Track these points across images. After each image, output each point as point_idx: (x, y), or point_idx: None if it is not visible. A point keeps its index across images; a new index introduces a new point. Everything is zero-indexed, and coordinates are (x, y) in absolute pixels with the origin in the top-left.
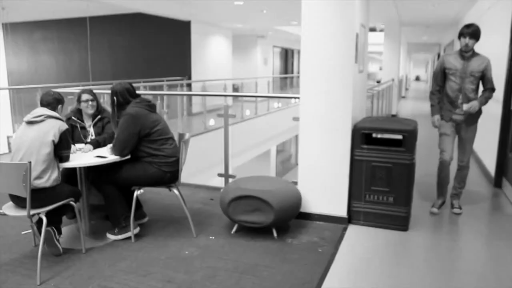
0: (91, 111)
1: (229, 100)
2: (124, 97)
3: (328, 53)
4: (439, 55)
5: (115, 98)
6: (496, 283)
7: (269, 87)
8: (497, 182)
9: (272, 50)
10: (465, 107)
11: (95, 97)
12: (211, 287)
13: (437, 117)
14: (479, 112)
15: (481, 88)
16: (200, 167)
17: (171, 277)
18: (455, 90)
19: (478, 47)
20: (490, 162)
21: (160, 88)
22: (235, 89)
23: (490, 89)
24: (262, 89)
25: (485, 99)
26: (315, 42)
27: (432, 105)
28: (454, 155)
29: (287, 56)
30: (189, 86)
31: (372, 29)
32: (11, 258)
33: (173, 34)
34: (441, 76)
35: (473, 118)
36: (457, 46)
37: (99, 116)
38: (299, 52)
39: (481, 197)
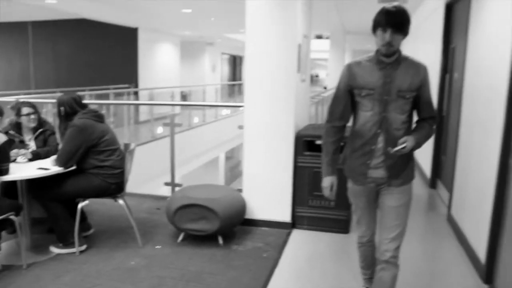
0: (32, 124)
1: (177, 108)
2: (71, 107)
3: (271, 63)
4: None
5: (62, 108)
6: (430, 278)
7: (217, 94)
8: (432, 184)
9: (221, 57)
10: (399, 147)
11: (36, 110)
12: None
13: (330, 180)
14: (410, 159)
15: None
16: (148, 176)
17: None
18: (371, 125)
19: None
20: (426, 165)
21: (107, 96)
22: (183, 96)
23: (430, 120)
24: (210, 97)
25: (425, 136)
26: (259, 52)
27: (325, 155)
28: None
29: (235, 63)
30: (136, 94)
31: (319, 37)
32: None
33: (119, 40)
34: (346, 102)
35: (406, 173)
36: (403, 51)
37: (40, 130)
38: None
39: (417, 198)
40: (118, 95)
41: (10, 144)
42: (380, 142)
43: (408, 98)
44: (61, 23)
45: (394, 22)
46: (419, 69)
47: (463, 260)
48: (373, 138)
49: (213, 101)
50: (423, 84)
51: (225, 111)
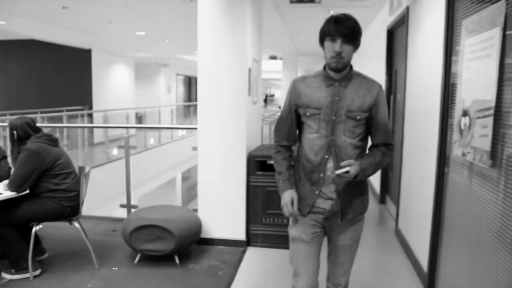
0: None
1: (132, 129)
2: (24, 131)
3: (223, 87)
4: None
5: (15, 132)
6: None
7: (173, 115)
8: (381, 199)
9: (176, 78)
10: (341, 170)
11: None
12: None
13: (290, 194)
14: (364, 190)
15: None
16: (103, 198)
17: None
18: (317, 150)
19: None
20: (376, 180)
21: (60, 118)
22: (138, 117)
23: (384, 147)
24: (165, 118)
25: (375, 165)
26: (211, 76)
27: (279, 173)
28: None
29: (191, 84)
30: (90, 116)
31: (273, 57)
32: None
33: (72, 62)
34: (291, 122)
35: (359, 206)
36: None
37: None
38: None
39: (367, 213)
40: (71, 117)
41: None
42: (329, 170)
43: (359, 120)
44: (11, 44)
45: (344, 31)
46: (373, 88)
47: (408, 271)
48: (320, 165)
49: (168, 122)
50: (377, 105)
51: (181, 132)
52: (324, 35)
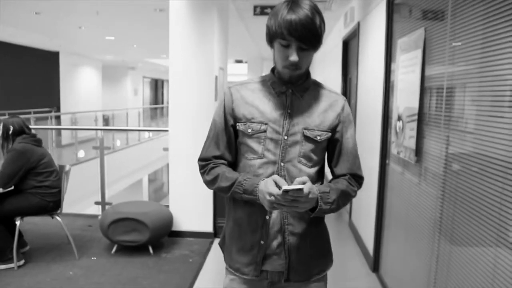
0: None
1: (100, 132)
2: (20, 127)
3: (192, 92)
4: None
5: (11, 127)
6: (332, 271)
7: (140, 118)
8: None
9: (142, 81)
10: (293, 187)
11: None
12: None
13: (266, 181)
14: (324, 236)
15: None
16: (73, 197)
17: None
18: (264, 177)
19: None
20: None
21: (27, 120)
22: (105, 119)
23: (351, 179)
24: (133, 120)
25: (340, 194)
26: (181, 83)
27: (232, 183)
28: None
29: (157, 86)
30: (58, 118)
31: (239, 61)
32: None
33: (39, 64)
34: (230, 135)
35: (320, 261)
36: (315, 77)
37: None
38: (168, 82)
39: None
40: (39, 119)
41: None
42: (276, 211)
43: (320, 142)
44: None
45: (303, 34)
46: (336, 101)
47: (358, 256)
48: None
49: (136, 124)
50: (342, 123)
51: (148, 134)
52: (274, 35)
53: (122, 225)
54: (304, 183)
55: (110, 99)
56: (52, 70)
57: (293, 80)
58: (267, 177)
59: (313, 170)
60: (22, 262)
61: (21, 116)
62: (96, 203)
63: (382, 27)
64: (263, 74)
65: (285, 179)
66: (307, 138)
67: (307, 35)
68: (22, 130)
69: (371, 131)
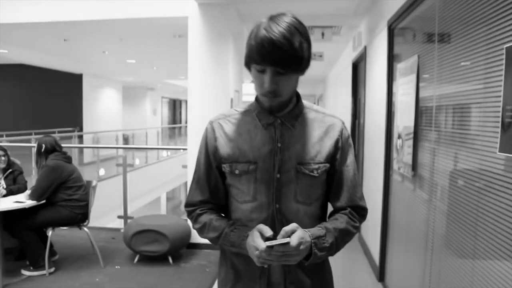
0: (2, 165)
1: (120, 150)
2: (52, 145)
3: (209, 113)
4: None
5: (43, 145)
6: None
7: (159, 137)
8: None
9: (161, 101)
10: (276, 242)
11: (6, 153)
12: None
13: (253, 235)
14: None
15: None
16: (97, 212)
17: None
18: (257, 222)
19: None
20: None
21: None
22: (125, 139)
23: (354, 211)
24: (152, 139)
25: (342, 231)
26: (200, 104)
27: (219, 234)
28: None
29: (175, 106)
30: (80, 137)
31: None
32: None
33: (64, 86)
34: (216, 179)
35: None
36: (328, 98)
37: (10, 170)
38: (186, 102)
39: None
40: (63, 139)
41: None
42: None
43: (318, 176)
44: (3, 68)
45: (278, 57)
46: (333, 126)
47: (366, 267)
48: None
49: (155, 143)
50: (341, 150)
51: (166, 154)
52: (249, 60)
53: (144, 236)
54: (293, 232)
55: (130, 119)
56: (76, 92)
57: (276, 109)
58: (262, 221)
59: (313, 208)
60: (52, 269)
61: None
62: (119, 217)
63: (384, 52)
64: (249, 103)
65: (281, 222)
66: (303, 174)
67: (283, 57)
68: (53, 148)
69: (377, 148)
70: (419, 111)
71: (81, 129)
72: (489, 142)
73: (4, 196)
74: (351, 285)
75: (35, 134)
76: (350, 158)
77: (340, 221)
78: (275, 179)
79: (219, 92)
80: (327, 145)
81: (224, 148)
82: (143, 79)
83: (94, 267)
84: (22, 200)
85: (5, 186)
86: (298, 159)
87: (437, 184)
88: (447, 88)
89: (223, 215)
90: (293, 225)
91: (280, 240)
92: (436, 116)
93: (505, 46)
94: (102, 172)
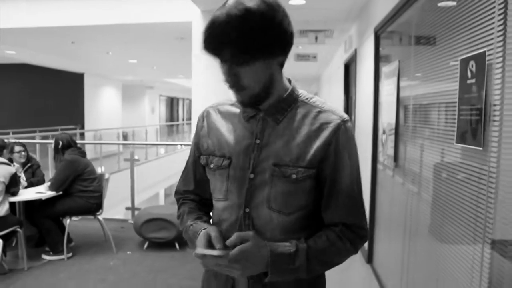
0: (22, 160)
1: (121, 147)
2: (68, 142)
3: None
4: None
5: (60, 142)
6: None
7: (158, 134)
8: None
9: (159, 99)
10: (212, 252)
11: (25, 148)
12: (136, 282)
13: (201, 237)
14: None
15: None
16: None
17: (104, 278)
18: (226, 228)
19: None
20: None
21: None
22: (124, 136)
23: (347, 229)
24: (151, 136)
25: (323, 262)
26: (202, 103)
27: (185, 229)
28: None
29: (173, 104)
30: (82, 134)
31: None
32: None
33: (66, 85)
34: (198, 174)
35: None
36: (323, 96)
37: (29, 164)
38: (183, 100)
39: None
40: None
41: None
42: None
43: (298, 180)
44: (7, 68)
45: (219, 42)
46: (328, 125)
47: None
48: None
49: (154, 140)
50: (335, 154)
51: (163, 150)
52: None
53: (153, 224)
54: (244, 241)
55: (129, 116)
56: (77, 91)
57: (247, 103)
58: (231, 224)
59: (292, 219)
60: (70, 254)
61: (50, 133)
62: (127, 208)
63: (372, 55)
64: None
65: (248, 228)
66: (278, 178)
67: (221, 46)
68: (69, 144)
69: (366, 142)
70: (399, 110)
71: (82, 127)
72: (449, 135)
73: (26, 188)
74: (341, 266)
75: (39, 131)
76: (348, 165)
77: (323, 239)
78: (248, 179)
79: (221, 91)
80: (314, 147)
81: (204, 138)
82: (143, 77)
83: (107, 252)
84: (43, 191)
85: (25, 179)
86: (275, 160)
87: (414, 173)
88: (420, 90)
89: (204, 209)
90: (245, 234)
91: (212, 252)
92: (412, 114)
93: (459, 58)
94: (102, 169)
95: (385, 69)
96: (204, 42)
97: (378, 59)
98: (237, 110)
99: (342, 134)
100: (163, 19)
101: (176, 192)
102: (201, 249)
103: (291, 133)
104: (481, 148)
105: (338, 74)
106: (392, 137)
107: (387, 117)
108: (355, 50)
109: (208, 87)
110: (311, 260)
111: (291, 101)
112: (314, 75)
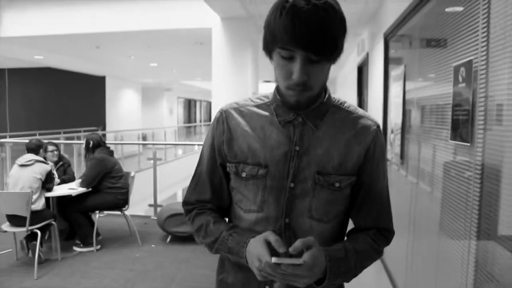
0: (55, 159)
1: (141, 148)
2: (98, 141)
3: None
4: None
5: (91, 141)
6: None
7: (176, 135)
8: None
9: (177, 101)
10: (287, 258)
11: (58, 148)
12: (161, 271)
13: (256, 244)
14: None
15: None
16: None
17: (131, 268)
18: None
19: None
20: None
21: (78, 138)
22: (143, 137)
23: (379, 234)
24: (169, 137)
25: (363, 254)
26: (221, 104)
27: (215, 239)
28: None
29: (190, 106)
30: (103, 135)
31: (267, 81)
32: (1, 268)
33: (88, 87)
34: (220, 176)
35: None
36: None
37: (60, 163)
38: (201, 102)
39: None
40: None
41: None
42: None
43: (340, 188)
44: (33, 71)
45: (313, 40)
46: (366, 130)
47: None
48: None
49: (172, 141)
50: (373, 160)
51: (181, 151)
52: (274, 42)
53: (176, 219)
54: (308, 247)
55: (148, 118)
56: (99, 93)
57: (303, 105)
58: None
59: (330, 227)
60: (99, 246)
61: (73, 134)
62: (150, 205)
63: (381, 59)
64: (266, 93)
65: (290, 240)
66: (321, 187)
67: (319, 39)
68: (99, 144)
69: None
70: (405, 111)
71: (104, 128)
72: (445, 134)
73: (58, 184)
74: None
75: (64, 132)
76: (382, 171)
77: (362, 243)
78: (287, 189)
79: (239, 92)
80: (355, 153)
81: (232, 143)
82: (161, 80)
83: (133, 245)
84: (74, 188)
85: (57, 176)
86: (318, 168)
87: (417, 169)
88: (422, 93)
89: (226, 219)
90: (308, 240)
91: (291, 260)
92: (416, 115)
93: (453, 64)
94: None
95: (393, 72)
96: (291, 37)
97: (387, 63)
98: (265, 112)
99: (379, 140)
100: (185, 25)
101: (186, 203)
102: (276, 258)
103: (331, 139)
104: (469, 144)
105: (352, 76)
106: (399, 136)
107: (395, 118)
108: (367, 54)
109: (226, 88)
110: (356, 264)
111: (329, 105)
112: (329, 77)
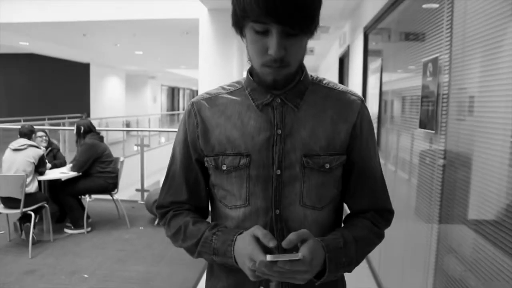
0: (44, 144)
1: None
2: (88, 127)
3: None
4: None
5: (82, 127)
6: None
7: (160, 122)
8: None
9: (160, 89)
10: (284, 258)
11: (47, 134)
12: (151, 251)
13: (244, 241)
14: None
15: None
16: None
17: (122, 248)
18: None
19: None
20: None
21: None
22: (127, 124)
23: (378, 215)
24: (153, 125)
25: (364, 241)
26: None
27: (197, 241)
28: None
29: (174, 94)
30: None
31: None
32: None
33: (72, 74)
34: (196, 174)
35: None
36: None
37: (50, 148)
38: (184, 89)
39: None
40: (72, 124)
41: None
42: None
43: (331, 169)
44: (17, 57)
45: (287, 9)
46: (350, 105)
47: None
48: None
49: (157, 128)
50: (361, 137)
51: (164, 139)
52: (244, 16)
53: None
54: (303, 241)
55: (131, 105)
56: (83, 80)
57: (280, 85)
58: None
59: (325, 213)
60: (89, 228)
61: (58, 121)
62: (137, 190)
63: (361, 52)
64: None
65: (282, 233)
66: (311, 170)
67: (295, 12)
68: (90, 130)
69: None
70: (381, 102)
71: (88, 115)
72: (415, 122)
73: (50, 169)
74: None
75: (48, 119)
76: (372, 147)
77: (361, 228)
78: (274, 177)
79: (225, 82)
80: (342, 131)
81: (207, 136)
82: (146, 68)
83: (122, 228)
84: (65, 172)
85: (48, 162)
86: (304, 150)
87: (391, 156)
88: (396, 85)
89: (206, 220)
90: (303, 232)
91: (288, 256)
92: (390, 105)
93: (422, 60)
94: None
95: (371, 65)
96: (264, 9)
97: (366, 56)
98: (238, 98)
99: (364, 115)
100: (172, 15)
101: (161, 206)
102: (271, 255)
103: (314, 118)
104: (434, 132)
105: (334, 67)
106: (375, 126)
107: (372, 108)
108: (348, 46)
109: (212, 77)
110: (358, 251)
111: (308, 83)
112: (311, 67)
